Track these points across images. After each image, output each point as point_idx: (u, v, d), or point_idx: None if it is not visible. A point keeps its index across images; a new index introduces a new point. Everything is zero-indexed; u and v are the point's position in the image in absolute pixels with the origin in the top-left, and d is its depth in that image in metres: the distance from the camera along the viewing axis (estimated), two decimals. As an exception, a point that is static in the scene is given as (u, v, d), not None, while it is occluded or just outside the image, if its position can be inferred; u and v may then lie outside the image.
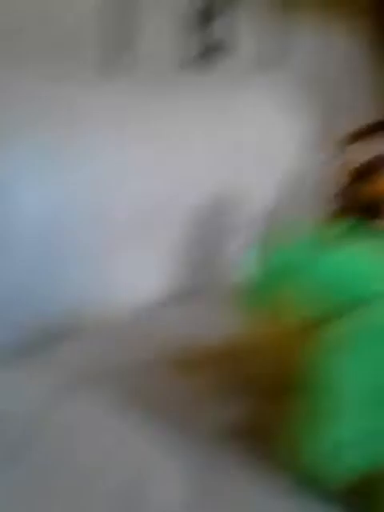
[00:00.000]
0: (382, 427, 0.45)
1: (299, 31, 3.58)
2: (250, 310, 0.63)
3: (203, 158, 1.18)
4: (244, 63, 2.95)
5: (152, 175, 1.09)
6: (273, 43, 3.45)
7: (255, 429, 0.51)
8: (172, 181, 1.12)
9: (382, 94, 4.43)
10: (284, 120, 1.42)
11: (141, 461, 0.48)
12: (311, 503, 0.45)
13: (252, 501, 0.44)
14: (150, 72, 1.74)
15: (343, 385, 0.45)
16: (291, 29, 3.48)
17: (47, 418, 0.56)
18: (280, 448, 0.48)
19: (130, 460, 0.48)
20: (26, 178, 0.93)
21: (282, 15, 3.34)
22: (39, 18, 1.80)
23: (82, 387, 0.64)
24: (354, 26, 4.16)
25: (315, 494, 0.45)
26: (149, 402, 0.60)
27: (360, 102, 4.03)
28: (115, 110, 1.10)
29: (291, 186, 1.29)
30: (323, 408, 0.46)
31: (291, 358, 0.50)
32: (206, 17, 3.03)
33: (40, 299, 0.92)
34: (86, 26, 2.38)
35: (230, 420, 0.55)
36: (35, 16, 1.68)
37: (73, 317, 0.93)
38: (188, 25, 2.63)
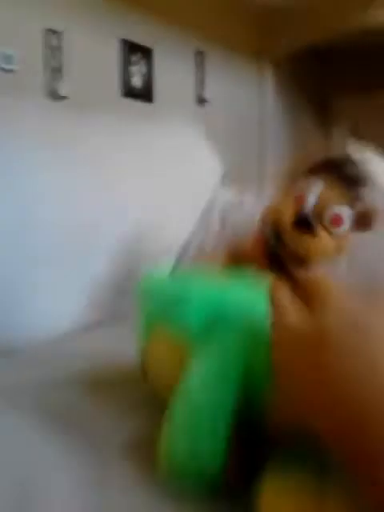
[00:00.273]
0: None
1: (213, 78, 3.82)
2: (141, 336, 0.65)
3: (127, 190, 1.19)
4: (166, 106, 3.13)
5: (77, 200, 1.08)
6: (189, 87, 3.67)
7: (150, 440, 0.50)
8: (97, 206, 1.12)
9: (285, 130, 4.77)
10: (203, 156, 1.47)
11: (34, 467, 0.48)
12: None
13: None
14: (82, 105, 1.78)
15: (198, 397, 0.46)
16: (205, 76, 3.71)
17: None
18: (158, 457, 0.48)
19: (24, 466, 0.49)
20: None
21: (196, 67, 3.57)
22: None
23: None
24: (263, 74, 4.46)
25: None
26: (53, 415, 0.60)
27: (268, 139, 4.34)
28: (51, 138, 1.10)
29: (207, 218, 1.35)
30: (180, 418, 0.47)
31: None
32: (126, 65, 3.21)
33: None
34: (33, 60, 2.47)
35: (128, 433, 0.56)
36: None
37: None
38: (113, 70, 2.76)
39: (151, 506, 0.45)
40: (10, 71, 2.34)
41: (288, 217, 0.84)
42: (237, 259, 0.89)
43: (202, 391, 0.47)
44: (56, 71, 2.63)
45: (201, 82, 3.70)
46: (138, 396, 0.65)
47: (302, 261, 0.87)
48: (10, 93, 2.12)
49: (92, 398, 0.66)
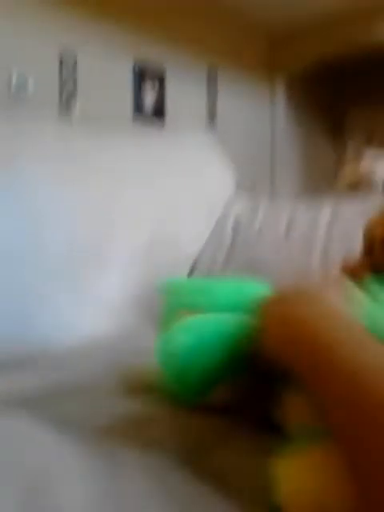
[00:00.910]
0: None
1: (225, 96, 3.86)
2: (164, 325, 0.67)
3: (142, 202, 1.22)
4: (177, 125, 3.17)
5: (90, 213, 1.11)
6: (202, 106, 3.71)
7: (167, 446, 0.53)
8: (110, 220, 1.14)
9: (297, 147, 4.80)
10: (215, 169, 1.49)
11: (46, 462, 0.49)
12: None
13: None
14: (99, 124, 1.80)
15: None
16: (217, 97, 3.75)
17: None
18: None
19: (36, 461, 0.49)
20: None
21: (208, 85, 3.62)
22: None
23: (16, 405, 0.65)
24: (275, 90, 4.49)
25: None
26: (65, 421, 0.60)
27: (280, 156, 4.36)
28: (63, 152, 1.12)
29: (220, 230, 1.38)
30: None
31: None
32: (139, 85, 3.25)
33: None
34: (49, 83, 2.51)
35: (141, 441, 0.55)
36: None
37: (8, 351, 0.92)
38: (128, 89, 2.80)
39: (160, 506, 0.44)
40: (26, 94, 2.39)
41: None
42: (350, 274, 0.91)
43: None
44: (70, 93, 2.68)
45: (213, 101, 3.74)
46: (153, 402, 0.64)
47: None
48: (25, 114, 2.15)
49: (106, 406, 0.65)
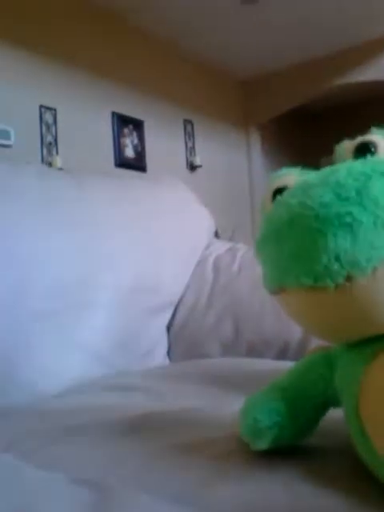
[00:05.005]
0: None
1: (202, 145, 3.95)
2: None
3: (123, 246, 1.24)
4: (158, 174, 3.24)
5: (76, 260, 1.12)
6: (181, 155, 3.78)
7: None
8: (94, 264, 1.15)
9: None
10: (196, 213, 1.53)
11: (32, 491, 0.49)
12: None
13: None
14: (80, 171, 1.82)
15: None
16: (195, 144, 3.82)
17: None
18: None
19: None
20: None
21: (188, 133, 3.69)
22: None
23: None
24: (250, 138, 4.60)
25: None
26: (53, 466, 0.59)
27: (258, 199, 4.46)
28: (47, 197, 1.15)
29: (201, 269, 1.38)
30: None
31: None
32: (118, 137, 3.32)
33: None
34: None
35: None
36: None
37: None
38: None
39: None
40: (8, 146, 2.44)
41: None
42: None
43: None
44: (51, 145, 2.74)
45: (191, 150, 3.83)
46: (136, 448, 0.61)
47: None
48: (8, 167, 2.18)
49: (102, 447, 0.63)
